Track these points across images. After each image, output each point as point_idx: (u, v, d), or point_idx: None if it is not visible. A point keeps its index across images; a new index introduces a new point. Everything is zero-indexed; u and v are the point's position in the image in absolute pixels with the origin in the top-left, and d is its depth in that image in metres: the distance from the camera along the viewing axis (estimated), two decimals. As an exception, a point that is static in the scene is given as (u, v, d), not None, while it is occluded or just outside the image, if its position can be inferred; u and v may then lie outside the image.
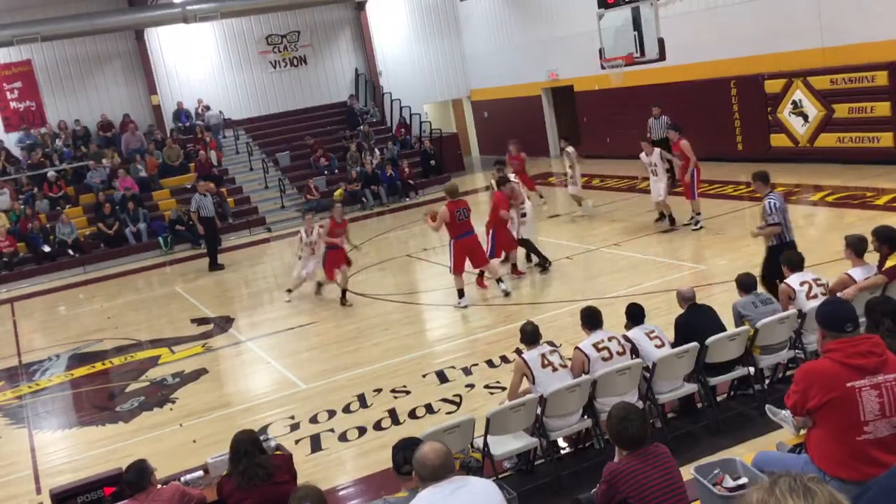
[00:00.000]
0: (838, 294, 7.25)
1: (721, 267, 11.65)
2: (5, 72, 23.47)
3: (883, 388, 4.23)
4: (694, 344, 6.91)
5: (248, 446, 5.47)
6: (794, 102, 17.87)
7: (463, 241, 11.95)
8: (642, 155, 14.73)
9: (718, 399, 7.40)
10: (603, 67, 17.61)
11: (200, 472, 6.28)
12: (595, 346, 6.84)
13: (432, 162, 24.71)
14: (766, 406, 5.85)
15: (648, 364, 6.89)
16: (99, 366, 12.19)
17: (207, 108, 25.48)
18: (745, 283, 7.58)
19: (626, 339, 7.06)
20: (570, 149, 16.95)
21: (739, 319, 7.33)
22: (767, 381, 7.59)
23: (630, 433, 4.43)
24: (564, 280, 12.77)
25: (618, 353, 6.84)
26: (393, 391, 9.21)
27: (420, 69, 28.36)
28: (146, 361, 11.96)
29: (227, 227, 21.68)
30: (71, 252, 20.24)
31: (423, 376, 9.53)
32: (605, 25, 16.78)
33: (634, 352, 6.98)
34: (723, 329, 7.22)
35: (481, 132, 29.72)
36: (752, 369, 7.31)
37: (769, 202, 8.99)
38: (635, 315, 7.27)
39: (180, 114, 25.31)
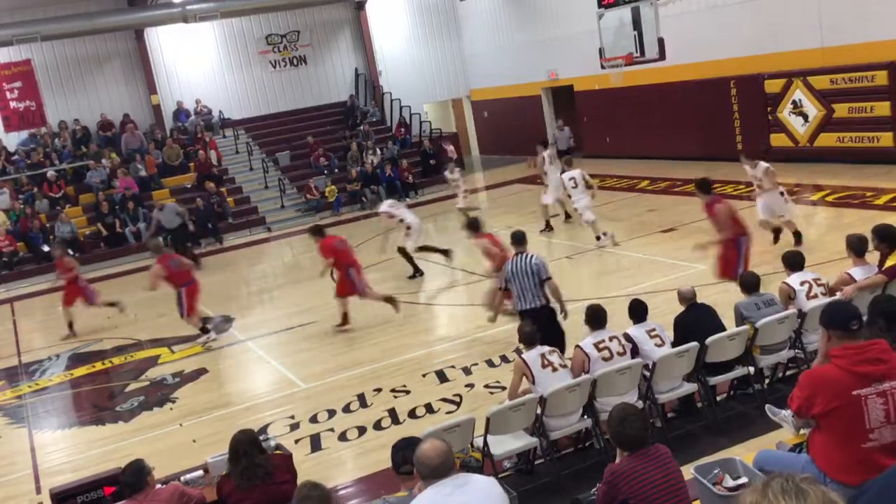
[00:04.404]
0: (837, 293, 7.26)
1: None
2: (5, 71, 23.41)
3: (888, 395, 4.17)
4: (694, 343, 6.91)
5: (246, 446, 5.46)
6: (794, 102, 17.87)
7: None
8: (746, 167, 12.87)
9: (718, 399, 7.40)
10: (603, 67, 17.63)
11: (200, 472, 6.28)
12: (596, 345, 6.84)
13: (432, 161, 24.70)
14: (766, 406, 5.85)
15: (648, 363, 6.90)
16: (99, 365, 12.19)
17: (208, 109, 25.48)
18: (748, 283, 7.56)
19: (627, 338, 7.06)
20: (456, 171, 18.12)
21: (741, 320, 7.31)
22: (767, 381, 7.59)
23: (630, 434, 4.42)
24: (564, 280, 12.69)
25: (618, 353, 6.84)
26: (393, 391, 9.21)
27: (420, 69, 28.35)
28: (146, 361, 11.96)
29: (228, 227, 21.71)
30: (71, 251, 20.21)
31: (423, 376, 9.54)
32: (605, 25, 16.80)
33: (635, 352, 6.99)
34: (722, 329, 7.22)
35: (481, 132, 29.72)
36: (751, 369, 7.31)
37: (506, 265, 8.69)
38: (637, 312, 7.27)
39: (180, 113, 25.31)
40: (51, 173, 22.17)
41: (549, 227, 16.04)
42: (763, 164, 12.49)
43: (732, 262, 9.89)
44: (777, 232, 12.42)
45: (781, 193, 12.42)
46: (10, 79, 23.47)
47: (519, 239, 8.76)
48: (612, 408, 4.64)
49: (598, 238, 14.23)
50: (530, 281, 8.35)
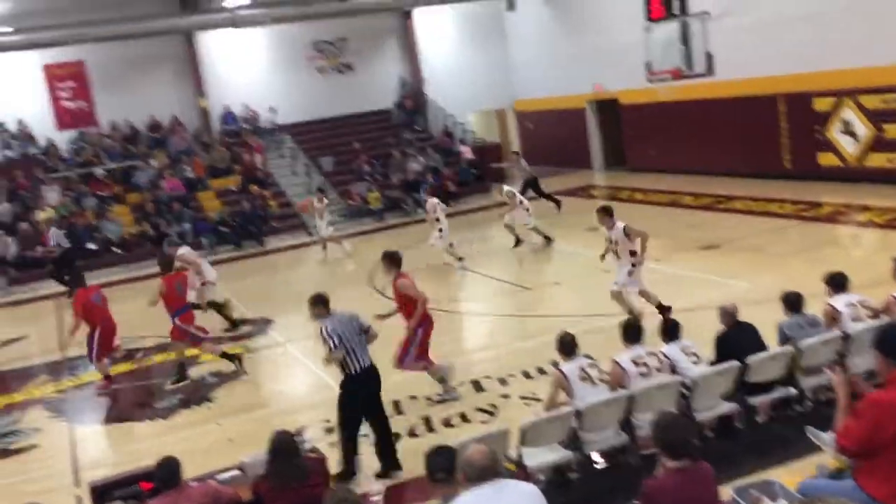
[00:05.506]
0: (883, 317, 7.12)
1: (764, 285, 11.47)
2: (58, 71, 23.97)
3: None
4: (734, 362, 6.82)
5: (285, 447, 5.50)
6: (843, 121, 17.60)
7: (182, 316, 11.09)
8: (604, 227, 10.93)
9: (758, 419, 7.28)
10: (650, 81, 17.54)
11: (236, 472, 6.32)
12: (634, 361, 6.78)
13: (474, 171, 24.72)
14: (807, 428, 5.76)
15: (686, 381, 6.81)
16: (140, 362, 12.35)
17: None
18: (792, 302, 7.44)
19: (666, 355, 6.99)
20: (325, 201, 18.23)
21: (785, 341, 7.20)
22: (809, 403, 7.46)
23: (680, 438, 4.32)
24: (600, 293, 12.63)
25: (656, 369, 6.77)
26: (428, 398, 9.20)
27: (465, 78, 28.32)
28: (186, 360, 12.07)
29: (270, 230, 21.91)
30: (116, 250, 20.56)
31: (459, 384, 9.51)
32: (653, 39, 16.72)
33: (673, 369, 6.91)
34: (765, 348, 7.11)
35: (524, 143, 29.67)
36: (793, 390, 7.19)
37: (322, 326, 7.45)
38: (670, 331, 7.19)
39: (227, 116, 25.64)
40: (100, 172, 22.58)
41: (518, 242, 16.54)
42: (620, 225, 10.55)
43: (404, 348, 8.96)
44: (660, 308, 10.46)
45: (633, 264, 10.52)
46: (63, 78, 24.03)
47: (321, 301, 7.59)
48: (659, 413, 4.56)
49: (459, 259, 15.79)
50: (357, 336, 7.49)
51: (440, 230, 16.12)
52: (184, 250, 13.37)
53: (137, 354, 12.69)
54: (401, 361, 9.00)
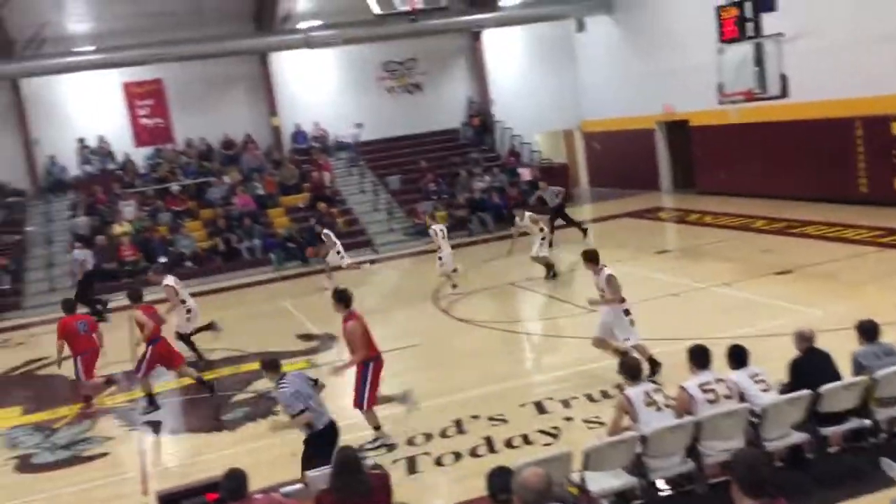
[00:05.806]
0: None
1: (838, 312, 11.16)
2: (137, 90, 24.73)
3: None
4: (806, 391, 6.64)
5: (351, 462, 5.55)
6: (923, 145, 17.09)
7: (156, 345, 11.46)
8: (591, 273, 10.19)
9: (830, 451, 7.08)
10: (721, 102, 17.29)
11: (300, 485, 6.39)
12: (701, 387, 6.65)
13: (536, 192, 24.63)
14: (882, 460, 5.57)
15: (755, 409, 6.66)
16: (208, 375, 12.57)
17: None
18: (867, 331, 7.23)
19: (735, 382, 6.84)
20: (325, 232, 17.98)
21: (859, 370, 6.98)
22: (884, 435, 7.21)
23: (764, 476, 4.11)
24: (666, 318, 12.47)
25: (725, 396, 6.63)
26: (490, 419, 9.17)
27: (533, 98, 28.27)
28: (253, 373, 12.26)
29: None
30: (188, 263, 21.04)
31: (521, 406, 9.47)
32: (726, 60, 16.49)
33: (742, 396, 6.76)
34: (838, 377, 6.91)
35: (591, 163, 29.50)
36: (867, 421, 6.96)
37: (280, 391, 7.51)
38: (739, 357, 7.03)
39: (298, 135, 26.11)
40: (175, 188, 23.18)
41: (552, 274, 15.96)
42: (606, 272, 9.86)
43: (357, 389, 8.89)
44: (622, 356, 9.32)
45: (626, 312, 9.79)
46: (142, 97, 24.78)
47: (272, 366, 7.78)
48: (739, 450, 4.46)
49: (453, 286, 15.82)
50: (314, 392, 7.59)
51: (440, 258, 15.90)
52: (170, 280, 13.48)
53: (199, 364, 12.95)
54: (357, 404, 8.94)
